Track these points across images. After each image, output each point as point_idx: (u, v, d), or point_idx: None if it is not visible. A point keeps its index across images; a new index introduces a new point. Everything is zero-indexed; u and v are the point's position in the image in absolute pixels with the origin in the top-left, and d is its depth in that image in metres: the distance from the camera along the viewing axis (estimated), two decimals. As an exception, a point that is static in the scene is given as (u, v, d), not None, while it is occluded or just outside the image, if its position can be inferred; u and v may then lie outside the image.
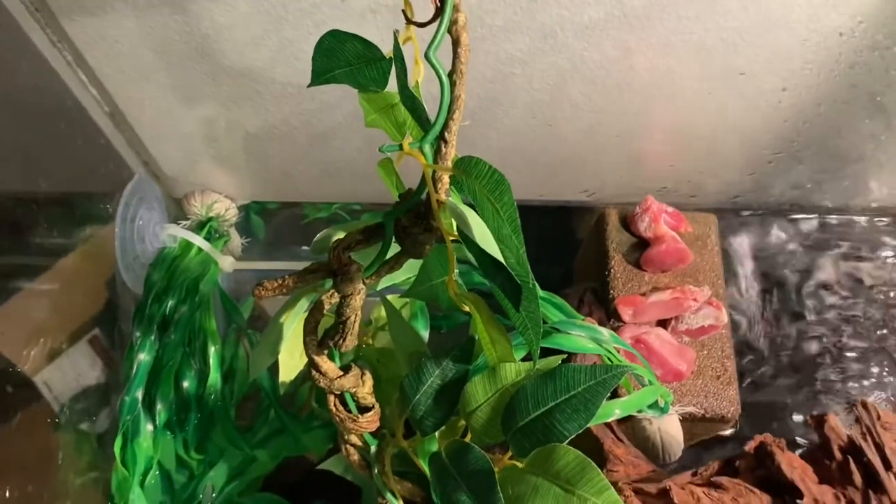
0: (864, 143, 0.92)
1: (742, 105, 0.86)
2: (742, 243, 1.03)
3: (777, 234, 1.04)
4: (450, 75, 0.48)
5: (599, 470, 0.51)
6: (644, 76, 0.84)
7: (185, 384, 0.82)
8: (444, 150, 0.50)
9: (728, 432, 0.84)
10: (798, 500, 0.55)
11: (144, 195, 0.89)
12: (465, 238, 0.50)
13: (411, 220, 0.54)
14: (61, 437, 0.89)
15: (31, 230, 0.92)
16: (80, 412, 0.89)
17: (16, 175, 0.88)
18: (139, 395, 0.78)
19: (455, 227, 0.53)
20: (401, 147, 0.53)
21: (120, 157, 0.91)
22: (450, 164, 0.50)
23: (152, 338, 0.80)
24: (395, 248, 0.57)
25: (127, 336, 0.84)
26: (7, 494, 0.78)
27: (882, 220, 1.05)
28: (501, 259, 0.49)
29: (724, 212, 1.03)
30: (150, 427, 0.79)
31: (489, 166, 0.48)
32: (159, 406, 0.79)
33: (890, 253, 1.03)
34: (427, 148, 0.50)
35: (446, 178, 0.51)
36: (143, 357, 0.79)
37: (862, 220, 1.05)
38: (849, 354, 0.96)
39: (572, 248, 1.07)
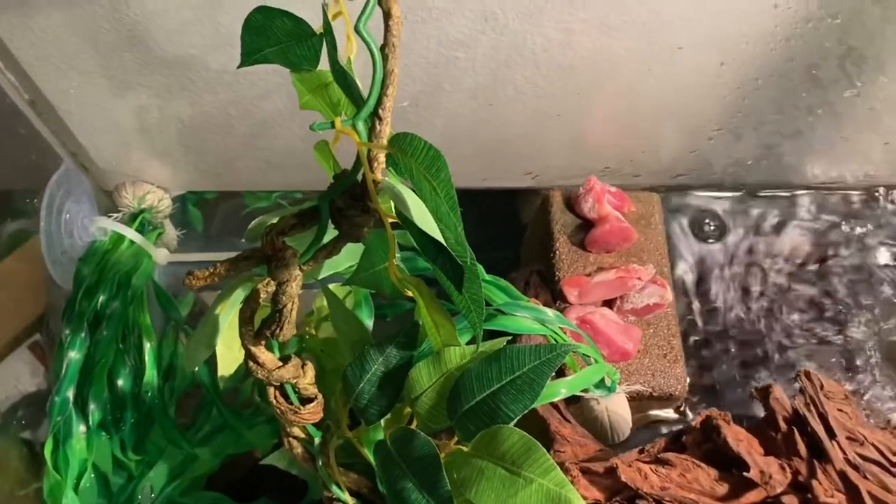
0: (802, 118, 0.92)
1: (681, 82, 0.86)
2: (684, 221, 1.03)
3: (721, 210, 1.05)
4: (382, 49, 0.46)
5: (545, 450, 0.50)
6: (586, 57, 0.84)
7: (120, 382, 0.78)
8: (378, 127, 0.48)
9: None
10: (745, 473, 0.56)
11: (71, 187, 0.85)
12: (404, 219, 0.49)
13: (347, 201, 0.52)
14: (2, 446, 0.85)
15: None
16: (19, 420, 0.86)
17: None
18: (70, 395, 0.75)
19: (393, 209, 0.52)
20: (333, 125, 0.52)
21: (46, 149, 0.88)
22: (385, 141, 0.48)
23: (83, 335, 0.77)
24: (333, 234, 0.56)
25: (57, 335, 0.81)
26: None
27: (823, 194, 1.07)
28: (441, 239, 0.48)
29: (668, 190, 1.03)
30: (82, 428, 0.76)
31: (425, 142, 0.47)
32: (92, 406, 0.76)
33: (833, 227, 1.05)
34: (361, 125, 0.48)
35: (382, 157, 0.50)
36: (74, 355, 0.76)
37: (805, 195, 1.07)
38: (790, 327, 0.97)
39: (518, 233, 1.06)
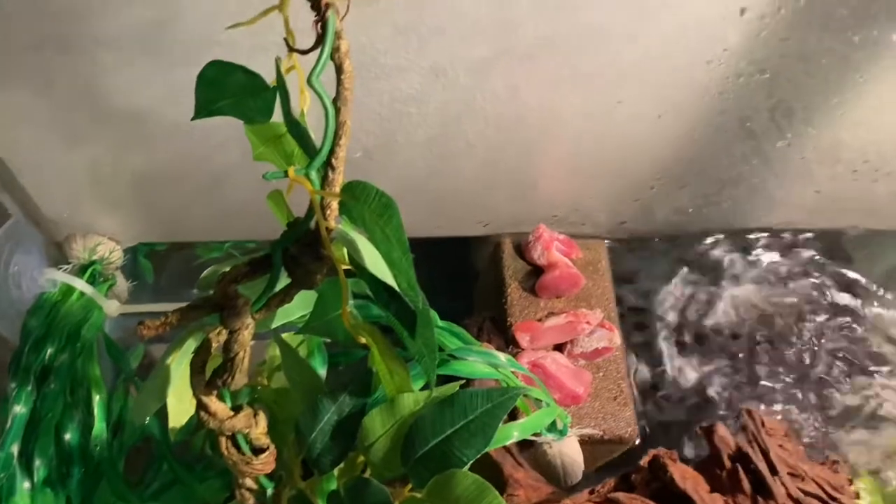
0: (738, 167, 0.97)
1: (623, 133, 0.90)
2: (630, 267, 1.06)
3: (663, 257, 1.08)
4: (334, 101, 0.48)
5: (497, 493, 0.50)
6: (533, 110, 0.87)
7: (67, 436, 0.77)
8: (331, 176, 0.49)
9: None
10: (691, 510, 0.57)
11: (20, 239, 0.84)
12: (358, 266, 0.50)
13: (300, 249, 0.53)
14: None
15: None
16: None
17: None
18: (14, 450, 0.73)
19: (347, 256, 0.53)
20: (286, 174, 0.53)
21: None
22: (337, 189, 0.49)
23: (29, 388, 0.75)
24: (286, 281, 0.56)
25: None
26: None
27: (762, 239, 1.11)
28: (394, 285, 0.49)
29: (614, 237, 1.06)
30: (27, 485, 0.74)
31: (376, 189, 0.48)
32: (38, 461, 0.74)
33: (773, 273, 1.08)
34: (314, 174, 0.49)
35: (335, 205, 0.51)
36: (19, 409, 0.74)
37: (746, 240, 1.11)
38: (739, 369, 1.00)
39: (472, 280, 1.08)
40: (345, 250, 0.53)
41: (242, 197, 0.93)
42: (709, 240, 1.09)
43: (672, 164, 0.95)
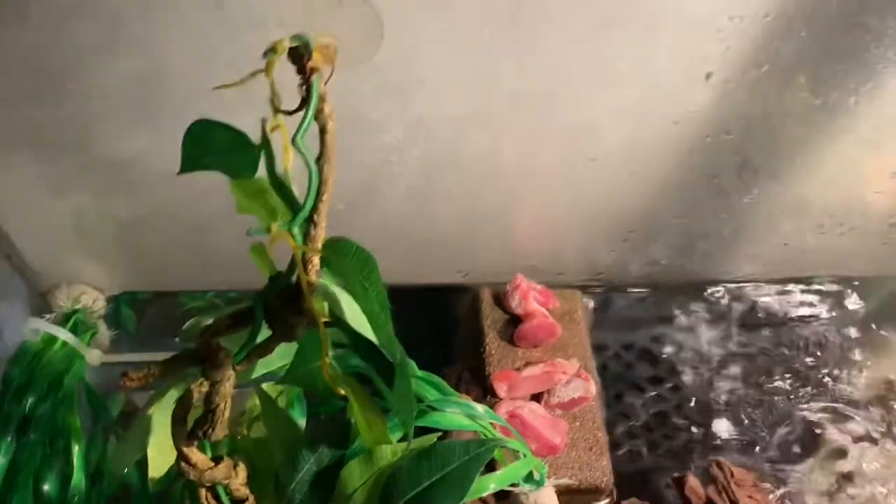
0: (708, 221, 1.00)
1: (597, 187, 0.92)
2: (605, 317, 1.08)
3: (637, 307, 1.10)
4: (317, 160, 0.50)
5: (474, 545, 0.51)
6: (511, 162, 0.90)
7: (46, 487, 0.76)
8: (313, 232, 0.51)
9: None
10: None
11: (3, 290, 0.85)
12: (338, 319, 0.51)
13: (282, 302, 0.54)
14: None
15: None
16: None
17: None
18: (-8, 502, 0.73)
19: (327, 309, 0.54)
20: (269, 230, 0.54)
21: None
22: (319, 245, 0.51)
23: (9, 439, 0.75)
24: (267, 333, 0.58)
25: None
26: None
27: (735, 290, 1.14)
28: (374, 339, 0.51)
29: (589, 287, 1.08)
30: (3, 538, 0.73)
31: (357, 246, 0.50)
32: (15, 513, 0.74)
33: (734, 324, 1.11)
34: (296, 230, 0.51)
35: (316, 260, 0.52)
36: (-2, 461, 0.74)
37: (718, 291, 1.13)
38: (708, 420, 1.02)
39: (451, 329, 1.09)
40: (325, 304, 0.55)
41: (226, 246, 0.95)
42: (681, 289, 1.11)
43: (644, 218, 0.98)
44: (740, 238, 1.03)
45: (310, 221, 0.51)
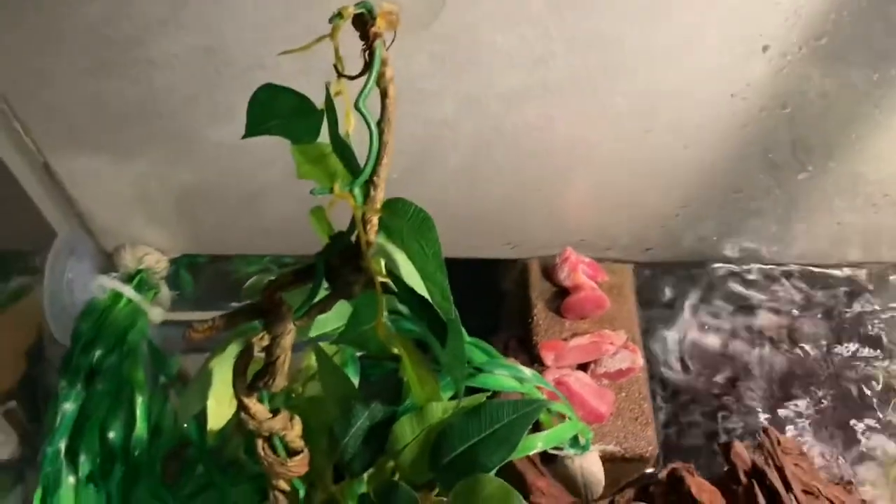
0: (760, 198, 0.99)
1: (650, 162, 0.93)
2: (656, 292, 1.08)
3: (686, 284, 1.10)
4: (378, 123, 0.51)
5: (522, 497, 0.53)
6: (563, 138, 0.90)
7: (111, 435, 0.80)
8: (373, 193, 0.53)
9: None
10: (707, 522, 0.59)
11: (75, 248, 0.89)
12: (394, 277, 0.53)
13: (342, 261, 0.56)
14: None
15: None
16: None
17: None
18: (62, 446, 0.77)
19: (384, 268, 0.56)
20: (332, 190, 0.56)
21: (52, 212, 0.91)
22: (378, 206, 0.53)
23: (78, 388, 0.79)
24: (325, 294, 0.60)
25: (52, 387, 0.83)
26: None
27: (782, 272, 1.13)
28: (428, 296, 0.52)
29: (639, 262, 1.09)
30: (72, 479, 0.77)
31: (414, 206, 0.52)
32: (83, 458, 0.78)
33: (789, 304, 1.10)
34: (357, 191, 0.53)
35: (375, 220, 0.54)
36: (69, 407, 0.78)
37: (767, 270, 1.13)
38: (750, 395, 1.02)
39: (497, 301, 1.10)
40: (382, 263, 0.57)
41: (282, 213, 0.97)
42: (731, 268, 1.11)
43: (697, 194, 0.98)
44: (793, 216, 1.02)
45: (370, 183, 0.53)
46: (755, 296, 1.10)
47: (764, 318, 1.07)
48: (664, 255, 1.08)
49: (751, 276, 1.11)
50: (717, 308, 1.08)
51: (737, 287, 1.10)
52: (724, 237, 1.06)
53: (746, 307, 1.08)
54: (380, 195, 0.53)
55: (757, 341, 1.06)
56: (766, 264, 1.12)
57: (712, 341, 1.06)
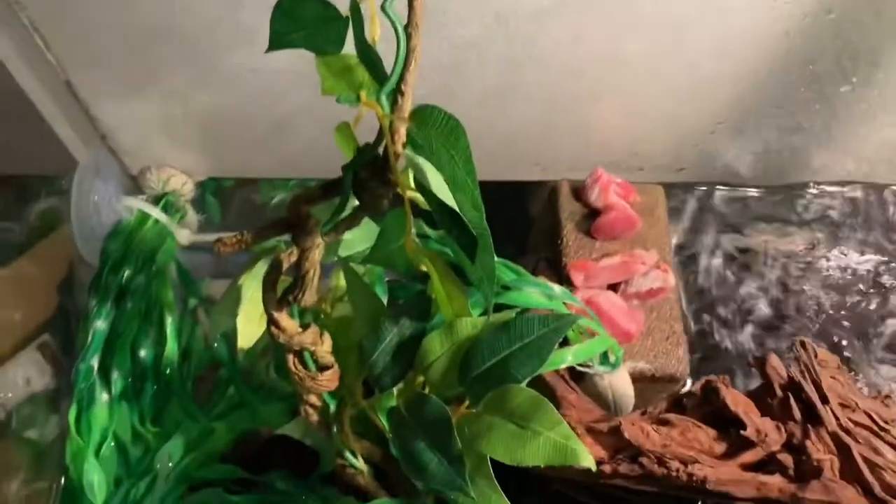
0: (800, 113, 0.96)
1: (684, 77, 0.89)
2: (686, 213, 1.07)
3: (721, 204, 1.08)
4: (406, 27, 0.50)
5: (552, 406, 0.53)
6: (594, 56, 0.87)
7: (142, 353, 0.81)
8: (400, 101, 0.51)
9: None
10: (742, 432, 0.58)
11: (101, 169, 0.89)
12: (423, 190, 0.52)
13: (369, 173, 0.55)
14: (6, 444, 0.88)
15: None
16: (27, 420, 0.88)
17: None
18: (94, 363, 0.78)
19: (412, 181, 0.55)
20: (358, 99, 0.55)
21: (75, 134, 0.91)
22: (406, 114, 0.51)
23: (108, 307, 0.80)
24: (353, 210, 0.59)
25: (82, 309, 0.84)
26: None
27: (817, 192, 1.10)
28: (457, 209, 0.51)
29: (671, 183, 1.06)
30: (105, 397, 0.79)
31: (444, 113, 0.50)
32: (115, 375, 0.79)
33: (828, 223, 1.08)
34: (384, 99, 0.51)
35: (403, 131, 0.52)
36: (100, 325, 0.79)
37: (805, 189, 1.10)
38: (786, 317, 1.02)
39: (526, 225, 1.09)
40: (411, 177, 0.55)
41: (308, 136, 0.96)
42: (768, 188, 1.08)
43: (733, 109, 0.94)
44: (834, 133, 0.99)
45: (397, 91, 0.51)
46: (791, 215, 1.07)
47: (800, 238, 1.05)
48: (698, 176, 1.06)
49: (787, 196, 1.09)
50: (751, 228, 1.06)
51: (772, 207, 1.08)
52: (761, 155, 1.03)
53: (781, 226, 1.06)
54: (407, 103, 0.52)
55: (791, 262, 1.04)
56: (804, 182, 1.09)
57: (746, 262, 1.04)
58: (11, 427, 0.87)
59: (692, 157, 1.02)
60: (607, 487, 0.62)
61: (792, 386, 0.61)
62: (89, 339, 0.78)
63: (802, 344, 0.62)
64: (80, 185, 0.84)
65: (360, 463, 0.69)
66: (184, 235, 0.93)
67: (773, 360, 0.62)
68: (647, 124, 0.97)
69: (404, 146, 0.53)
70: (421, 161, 0.52)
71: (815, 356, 0.62)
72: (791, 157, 1.03)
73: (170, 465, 0.81)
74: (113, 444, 0.80)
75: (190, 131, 0.95)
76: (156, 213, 0.89)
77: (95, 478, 0.77)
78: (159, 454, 0.82)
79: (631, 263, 0.86)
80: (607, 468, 0.60)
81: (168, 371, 0.83)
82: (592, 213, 0.94)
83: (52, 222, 0.94)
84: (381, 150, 0.53)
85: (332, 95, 0.65)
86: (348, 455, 0.69)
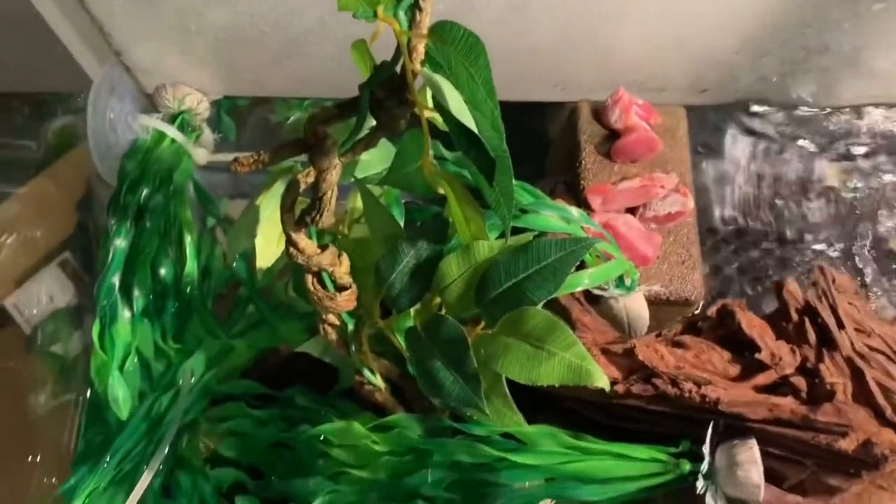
0: (828, 32, 0.92)
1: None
2: (708, 135, 1.05)
3: (743, 126, 1.06)
4: (424, -61, 0.48)
5: (568, 327, 0.53)
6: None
7: (162, 272, 0.82)
8: (418, 17, 0.50)
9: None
10: (756, 355, 0.59)
11: (115, 86, 0.88)
12: (441, 109, 0.51)
13: (386, 92, 0.54)
14: (32, 359, 0.90)
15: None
16: (51, 335, 0.90)
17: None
18: (116, 280, 0.79)
19: (430, 100, 0.54)
20: (375, 14, 0.53)
21: (92, 49, 0.90)
22: (424, 31, 0.50)
23: (128, 225, 0.81)
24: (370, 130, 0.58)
25: (102, 227, 0.85)
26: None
27: (843, 115, 1.08)
28: (475, 129, 0.50)
29: (693, 105, 1.04)
30: (127, 314, 0.80)
31: (464, 29, 0.49)
32: (136, 292, 0.80)
33: (855, 150, 1.06)
34: (402, 14, 0.50)
35: (421, 48, 0.51)
36: (120, 243, 0.80)
37: (831, 113, 1.07)
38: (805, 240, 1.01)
39: (544, 147, 1.08)
40: (429, 96, 0.54)
41: (323, 54, 0.95)
42: (791, 110, 1.06)
43: (759, 28, 0.91)
44: (864, 55, 0.96)
45: (415, 7, 0.50)
46: (815, 139, 1.05)
47: (824, 163, 1.04)
48: (721, 97, 1.04)
49: (812, 119, 1.06)
50: (774, 152, 1.04)
51: (796, 130, 1.06)
52: (787, 77, 1.00)
53: (805, 152, 1.04)
54: (426, 19, 0.50)
55: (814, 187, 1.03)
56: (830, 106, 1.07)
57: (766, 187, 1.03)
58: (38, 342, 0.90)
59: (715, 77, 1.00)
60: (619, 407, 0.63)
61: (808, 310, 0.62)
62: (110, 257, 0.79)
63: (821, 269, 0.62)
64: (95, 103, 0.83)
65: (378, 380, 0.71)
66: (201, 155, 0.92)
67: (790, 283, 0.62)
68: (669, 44, 0.94)
69: (422, 64, 0.52)
70: (439, 79, 0.51)
71: (833, 281, 0.61)
72: (818, 78, 1.01)
73: (192, 379, 0.83)
74: (136, 359, 0.82)
75: (204, 49, 0.94)
76: (172, 131, 0.88)
77: (120, 392, 0.79)
78: (181, 369, 0.84)
79: (650, 187, 0.85)
80: (620, 388, 0.61)
81: (188, 289, 0.84)
82: (612, 135, 0.93)
83: (69, 140, 0.95)
84: (398, 68, 0.52)
85: (348, 11, 0.64)
86: (366, 373, 0.70)
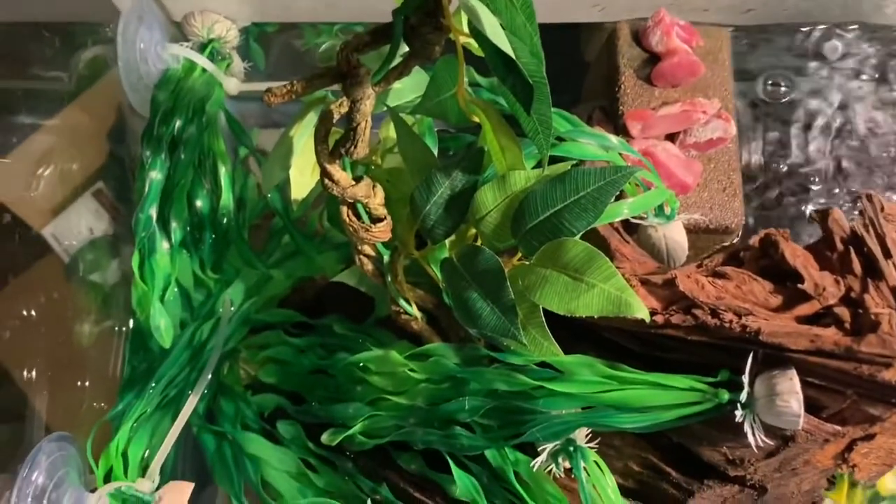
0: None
1: None
2: (755, 58, 1.01)
3: (790, 49, 1.02)
4: None
5: (607, 259, 0.52)
6: None
7: (199, 203, 0.83)
8: (454, -63, 0.48)
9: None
10: (799, 285, 0.58)
11: (144, 15, 0.86)
12: (477, 34, 0.49)
13: (421, 18, 0.53)
14: (73, 288, 0.92)
15: (30, 62, 0.91)
16: (91, 264, 0.91)
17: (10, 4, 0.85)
18: (153, 212, 0.79)
19: (466, 26, 0.52)
20: (409, -65, 0.51)
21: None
22: (460, -49, 0.48)
23: (162, 157, 0.80)
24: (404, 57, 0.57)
25: (135, 157, 0.85)
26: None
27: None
28: (513, 55, 0.49)
29: (738, 26, 1.00)
30: (165, 245, 0.81)
31: (502, -50, 0.47)
32: (174, 224, 0.81)
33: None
34: (437, -66, 0.48)
35: (457, -30, 0.50)
36: (155, 175, 0.80)
37: (885, 34, 1.02)
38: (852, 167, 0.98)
39: (580, 71, 1.05)
40: (464, 21, 0.53)
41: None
42: (840, 31, 1.01)
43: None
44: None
45: (450, -74, 0.48)
46: (867, 63, 1.01)
47: (874, 88, 1.00)
48: (767, 18, 0.99)
49: (864, 42, 1.02)
50: (822, 77, 1.00)
51: (846, 53, 1.01)
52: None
53: (855, 76, 1.00)
54: (462, -61, 0.48)
55: (864, 115, 0.99)
56: (885, 27, 1.02)
57: (815, 114, 1.00)
58: (78, 272, 0.91)
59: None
60: (657, 337, 0.63)
61: (854, 240, 0.60)
62: (146, 189, 0.79)
63: (869, 196, 0.60)
64: (125, 33, 0.82)
65: (413, 310, 0.71)
66: (232, 84, 0.91)
67: (836, 213, 0.61)
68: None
69: (457, -10, 0.50)
70: (475, 3, 0.49)
71: (882, 209, 0.59)
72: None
73: (231, 308, 0.85)
74: (176, 289, 0.83)
75: (232, -27, 0.92)
76: (203, 61, 0.87)
77: (162, 321, 0.80)
78: (221, 299, 0.85)
79: (691, 112, 0.83)
80: (660, 319, 0.60)
81: (224, 220, 0.84)
82: (653, 59, 0.89)
83: (100, 70, 0.94)
84: (433, -8, 0.51)
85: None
86: (402, 302, 0.71)
